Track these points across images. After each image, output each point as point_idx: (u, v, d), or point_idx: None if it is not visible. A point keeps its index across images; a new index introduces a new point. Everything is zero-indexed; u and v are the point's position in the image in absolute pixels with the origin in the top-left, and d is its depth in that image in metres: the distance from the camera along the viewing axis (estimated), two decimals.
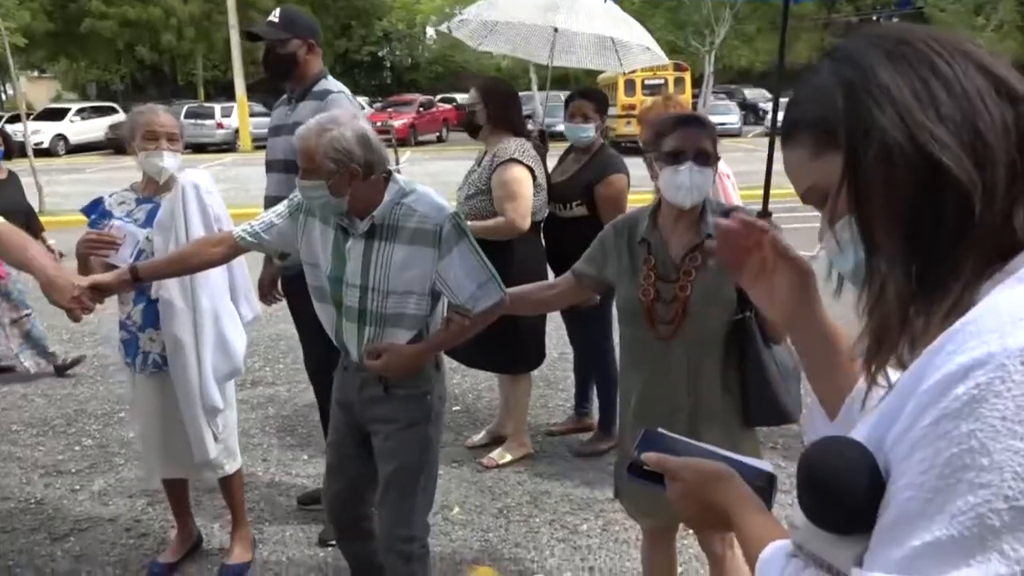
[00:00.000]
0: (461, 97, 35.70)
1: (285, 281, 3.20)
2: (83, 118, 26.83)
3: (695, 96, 24.22)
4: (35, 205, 12.02)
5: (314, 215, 2.25)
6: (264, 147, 3.29)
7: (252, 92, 24.44)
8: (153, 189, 2.82)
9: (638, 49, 5.01)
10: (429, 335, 2.26)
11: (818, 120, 0.79)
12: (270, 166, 3.14)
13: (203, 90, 32.88)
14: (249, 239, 2.34)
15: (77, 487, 3.75)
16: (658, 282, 2.07)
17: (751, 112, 29.48)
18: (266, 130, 3.34)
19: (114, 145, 24.34)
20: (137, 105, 2.92)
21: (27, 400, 4.90)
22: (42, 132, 22.67)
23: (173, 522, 3.21)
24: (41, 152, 19.86)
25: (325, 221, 2.23)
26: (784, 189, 1.33)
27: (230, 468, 2.99)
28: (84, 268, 2.63)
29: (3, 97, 41.25)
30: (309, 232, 2.27)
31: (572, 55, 5.06)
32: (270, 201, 3.14)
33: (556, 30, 4.71)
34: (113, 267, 2.57)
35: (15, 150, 5.93)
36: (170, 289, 2.67)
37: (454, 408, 4.62)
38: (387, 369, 2.18)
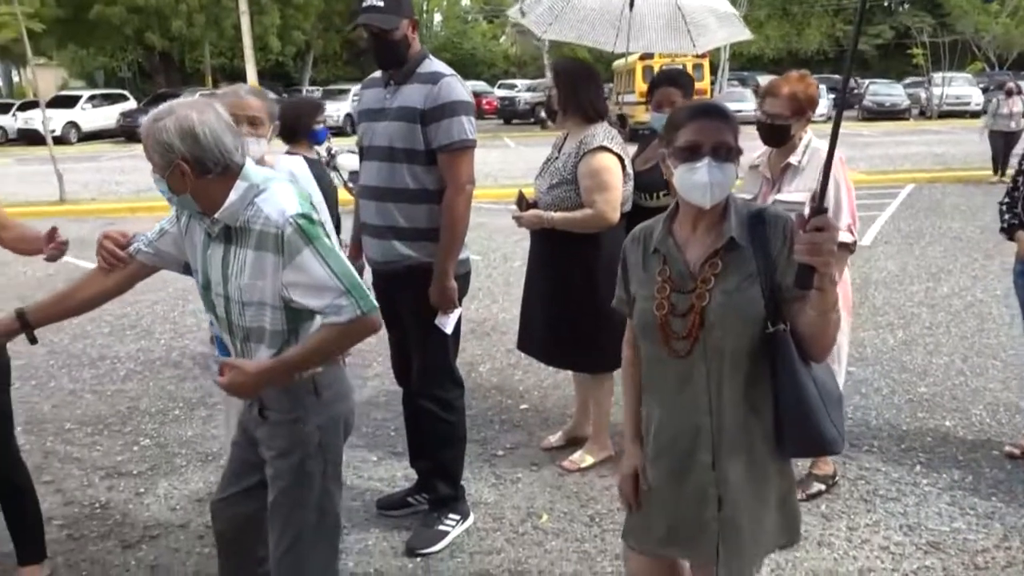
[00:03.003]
0: (472, 84, 35.57)
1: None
2: (94, 106, 26.69)
3: (712, 83, 24.01)
4: (55, 193, 12.04)
5: (195, 217, 2.00)
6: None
7: (262, 78, 24.17)
8: None
9: (715, 24, 4.75)
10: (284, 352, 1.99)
11: None
12: (368, 153, 2.94)
13: (211, 77, 32.59)
14: (146, 251, 2.12)
15: (141, 490, 3.58)
16: (673, 293, 1.81)
17: None
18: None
19: (127, 132, 24.18)
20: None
21: (76, 396, 4.72)
22: (53, 120, 22.52)
23: None
24: (54, 140, 19.73)
25: (201, 224, 2.00)
26: None
27: None
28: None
29: (12, 84, 41.08)
30: (191, 235, 2.05)
31: (642, 39, 4.83)
32: (368, 191, 2.97)
33: (632, 5, 4.48)
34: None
35: None
36: None
37: (522, 407, 4.44)
38: (231, 387, 1.94)
